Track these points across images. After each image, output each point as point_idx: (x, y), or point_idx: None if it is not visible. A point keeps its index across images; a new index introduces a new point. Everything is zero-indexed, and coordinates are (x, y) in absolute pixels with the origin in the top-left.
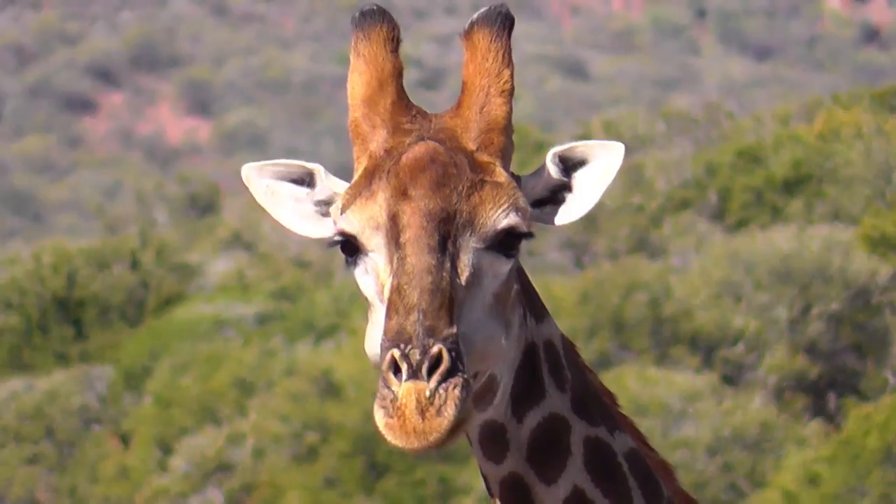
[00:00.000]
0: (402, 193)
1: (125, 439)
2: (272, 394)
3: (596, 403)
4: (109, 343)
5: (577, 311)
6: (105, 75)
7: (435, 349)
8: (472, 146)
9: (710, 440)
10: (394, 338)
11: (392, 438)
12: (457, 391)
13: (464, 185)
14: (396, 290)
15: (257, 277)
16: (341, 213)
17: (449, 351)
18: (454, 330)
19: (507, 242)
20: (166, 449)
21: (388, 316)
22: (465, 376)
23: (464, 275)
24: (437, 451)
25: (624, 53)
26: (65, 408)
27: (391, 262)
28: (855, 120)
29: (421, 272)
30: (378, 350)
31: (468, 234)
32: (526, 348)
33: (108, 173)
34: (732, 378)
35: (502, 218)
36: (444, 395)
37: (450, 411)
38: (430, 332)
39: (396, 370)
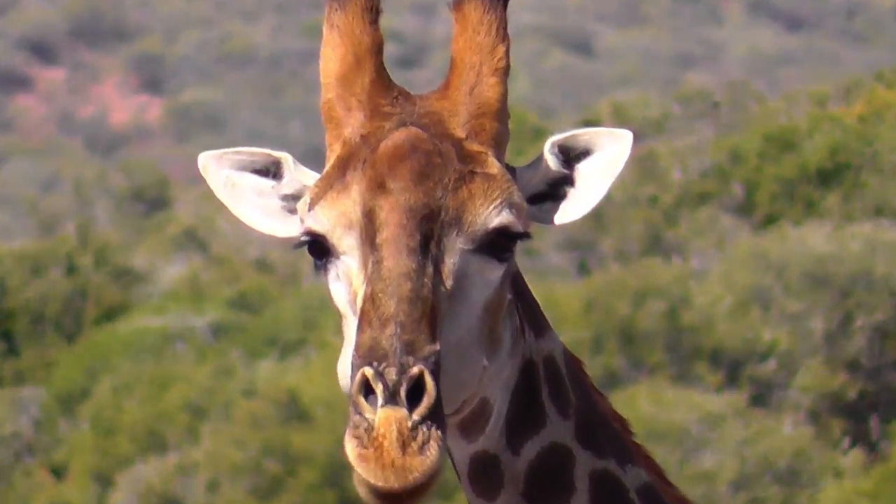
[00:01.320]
0: (378, 186)
1: (59, 471)
2: (229, 417)
3: (604, 431)
4: (43, 360)
5: (582, 322)
6: (41, 49)
7: (415, 370)
8: (460, 133)
9: (735, 471)
10: (366, 354)
11: (366, 473)
12: (439, 433)
13: (450, 178)
14: (370, 299)
15: (213, 283)
16: (309, 209)
17: (431, 373)
18: (436, 347)
19: (499, 244)
20: (106, 482)
21: (360, 329)
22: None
23: (448, 281)
24: (409, 501)
25: (634, 25)
26: None
27: (365, 266)
28: None
29: (399, 277)
30: (349, 370)
31: (454, 234)
32: (523, 366)
33: (44, 162)
34: (761, 399)
35: (494, 215)
36: (426, 433)
37: (433, 452)
38: (409, 349)
39: (368, 392)
